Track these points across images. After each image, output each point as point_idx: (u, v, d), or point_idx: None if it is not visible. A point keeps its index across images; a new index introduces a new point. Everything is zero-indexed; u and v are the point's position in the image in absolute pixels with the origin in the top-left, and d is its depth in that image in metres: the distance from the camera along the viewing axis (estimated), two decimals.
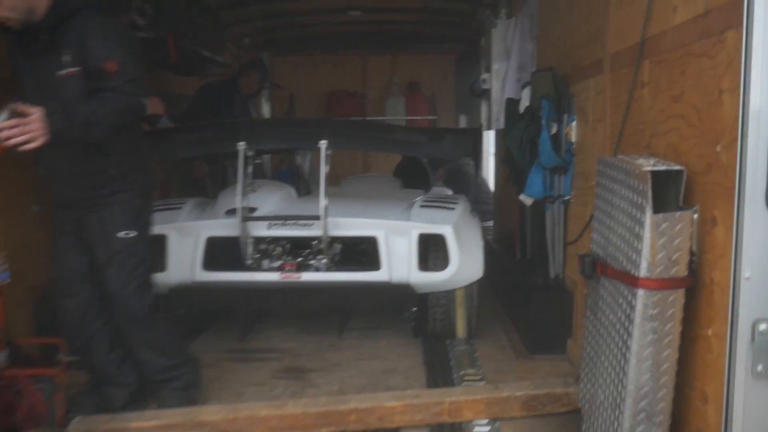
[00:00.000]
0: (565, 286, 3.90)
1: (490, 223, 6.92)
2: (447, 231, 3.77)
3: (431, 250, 3.91)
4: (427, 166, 6.65)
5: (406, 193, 5.07)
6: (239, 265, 3.83)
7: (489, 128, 6.73)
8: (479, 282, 3.94)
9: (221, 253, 4.02)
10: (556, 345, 3.77)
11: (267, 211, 3.90)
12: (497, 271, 4.78)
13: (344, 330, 4.23)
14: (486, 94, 6.34)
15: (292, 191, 4.31)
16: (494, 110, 5.98)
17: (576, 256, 3.67)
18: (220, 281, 3.82)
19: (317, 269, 3.87)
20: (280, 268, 3.85)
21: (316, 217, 3.64)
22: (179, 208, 4.06)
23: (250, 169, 3.79)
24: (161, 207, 4.10)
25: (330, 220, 3.70)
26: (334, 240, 3.88)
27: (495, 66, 6.03)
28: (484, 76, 6.09)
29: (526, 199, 4.00)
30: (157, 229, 3.91)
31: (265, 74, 6.11)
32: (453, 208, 4.00)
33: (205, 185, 5.49)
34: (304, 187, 4.71)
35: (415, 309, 3.87)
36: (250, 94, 5.87)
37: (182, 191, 5.70)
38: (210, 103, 5.49)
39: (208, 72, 6.37)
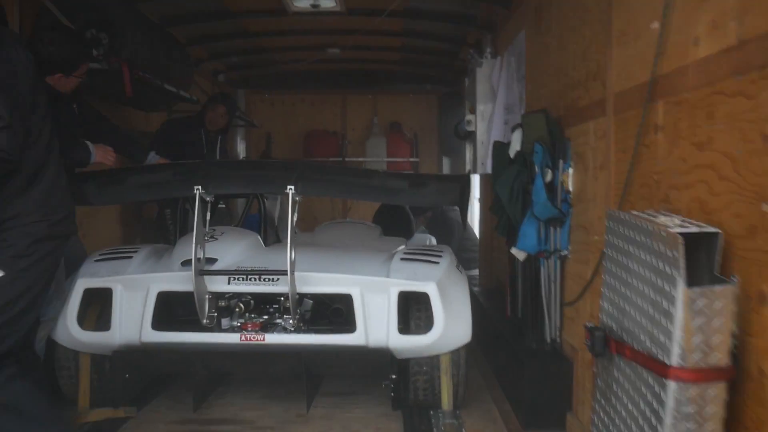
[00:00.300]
0: (562, 353, 3.48)
1: (475, 272, 6.52)
2: (431, 289, 3.35)
3: (413, 310, 3.48)
4: (408, 212, 6.27)
5: (386, 242, 4.66)
6: (194, 325, 3.37)
7: (475, 172, 6.39)
8: (467, 346, 3.51)
9: (175, 310, 3.55)
10: (553, 419, 3.33)
11: (228, 262, 3.46)
12: (486, 330, 4.36)
13: (314, 397, 3.75)
14: (471, 136, 6.01)
15: (257, 240, 3.88)
16: (480, 153, 5.65)
17: (575, 320, 3.28)
18: (172, 342, 3.35)
19: (284, 330, 3.43)
20: (240, 329, 3.40)
21: (283, 272, 3.20)
22: (129, 257, 3.61)
23: (208, 215, 3.37)
24: (109, 256, 3.64)
25: (299, 275, 3.27)
26: (304, 297, 3.45)
27: (480, 107, 5.72)
28: (469, 117, 5.76)
29: (519, 253, 3.60)
30: (101, 282, 3.47)
31: (233, 108, 5.72)
32: (437, 262, 3.58)
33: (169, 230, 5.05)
34: (273, 234, 4.28)
35: (394, 377, 3.42)
36: (218, 131, 5.47)
37: (151, 236, 5.26)
38: (174, 140, 5.08)
39: (175, 108, 5.97)
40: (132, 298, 3.41)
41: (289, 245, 3.19)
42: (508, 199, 3.65)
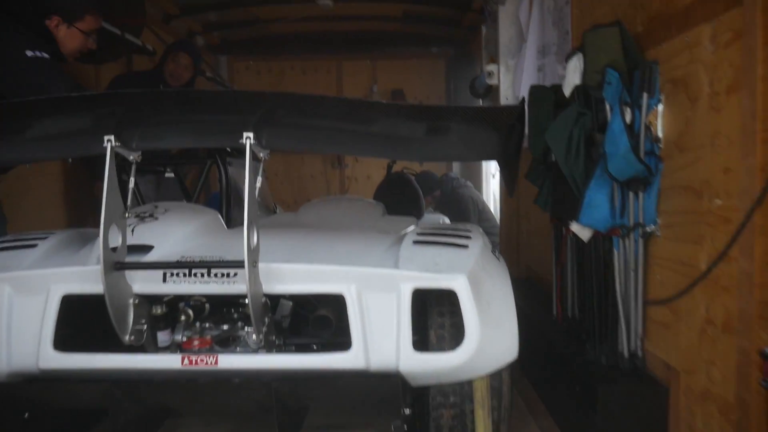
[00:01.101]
0: (649, 373, 2.41)
1: None
2: (460, 284, 2.26)
3: (433, 316, 2.41)
4: (416, 186, 5.18)
5: (391, 222, 3.57)
6: (116, 343, 2.30)
7: None
8: (512, 366, 2.44)
9: (91, 322, 2.49)
10: None
11: (169, 252, 2.39)
12: (528, 338, 3.29)
13: None
14: (491, 92, 4.93)
15: (217, 221, 2.80)
16: None
17: (672, 327, 2.20)
18: (83, 369, 2.28)
19: (248, 348, 2.37)
20: (184, 347, 2.34)
21: (239, 264, 2.13)
22: (33, 245, 2.53)
23: (141, 186, 2.30)
24: (7, 245, 2.57)
25: (265, 267, 2.20)
26: (281, 299, 2.38)
27: (504, 56, 4.63)
28: (490, 68, 4.67)
29: (582, 231, 2.52)
30: None
31: (198, 58, 4.60)
32: (466, 246, 2.50)
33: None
34: (240, 214, 3.19)
35: (408, 412, 2.34)
36: (181, 86, 4.37)
37: None
38: None
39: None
40: (26, 305, 2.33)
41: (246, 223, 2.11)
42: (564, 153, 2.55)
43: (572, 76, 2.64)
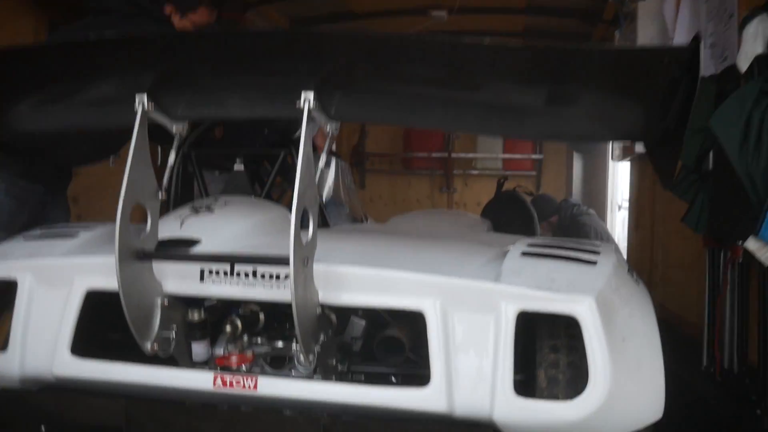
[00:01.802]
0: None
1: None
2: (585, 309, 1.64)
3: (544, 351, 1.78)
4: (531, 207, 4.52)
5: (496, 238, 2.97)
6: (141, 353, 1.86)
7: (624, 157, 4.63)
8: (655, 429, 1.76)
9: (119, 328, 2.09)
10: None
11: (216, 248, 1.93)
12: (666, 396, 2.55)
13: None
14: None
15: (284, 217, 2.34)
16: None
17: None
18: (100, 381, 1.86)
19: (300, 373, 1.86)
20: (217, 364, 1.86)
21: (283, 261, 1.63)
22: (73, 235, 2.16)
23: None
24: (51, 233, 2.22)
25: (325, 269, 1.70)
26: (344, 317, 1.86)
27: None
28: None
29: (764, 249, 1.81)
30: (7, 272, 2.06)
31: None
32: (594, 261, 1.87)
33: None
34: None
35: None
36: None
37: None
38: None
39: None
40: (47, 300, 1.96)
41: (294, 212, 1.61)
42: (738, 144, 1.87)
43: (751, 45, 1.97)
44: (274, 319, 1.98)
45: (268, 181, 2.59)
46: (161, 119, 1.78)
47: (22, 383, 1.95)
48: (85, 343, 1.91)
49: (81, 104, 1.87)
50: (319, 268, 1.71)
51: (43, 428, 2.01)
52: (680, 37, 3.53)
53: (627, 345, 1.69)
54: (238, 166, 2.63)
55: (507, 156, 7.38)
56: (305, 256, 1.63)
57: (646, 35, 3.95)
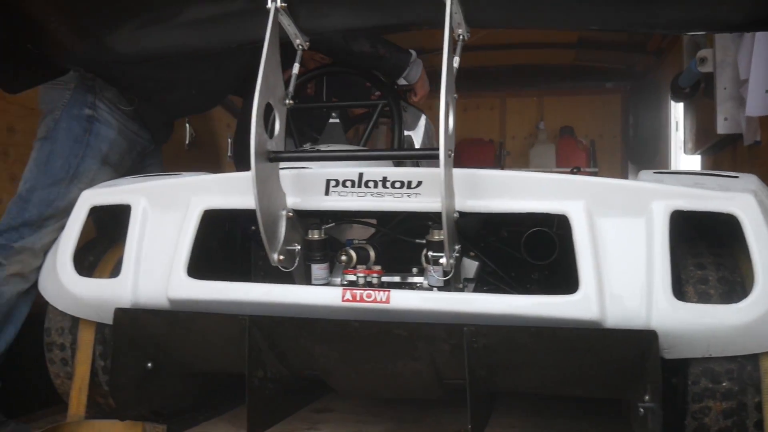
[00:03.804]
0: None
1: None
2: (746, 204, 1.54)
3: (689, 269, 1.66)
4: None
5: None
6: (277, 271, 1.79)
7: (697, 148, 4.50)
8: None
9: (227, 252, 2.03)
10: None
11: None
12: None
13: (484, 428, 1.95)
14: (700, 85, 4.15)
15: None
16: (725, 108, 3.76)
17: None
18: (219, 301, 1.78)
19: (430, 284, 1.76)
20: (345, 274, 1.79)
21: (434, 155, 1.56)
22: (179, 175, 2.12)
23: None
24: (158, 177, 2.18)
25: (459, 174, 1.63)
26: (470, 220, 1.76)
27: (721, 41, 3.87)
28: (703, 53, 3.91)
29: None
30: (116, 195, 2.02)
31: None
32: (736, 176, 1.78)
33: None
34: None
35: (650, 404, 1.57)
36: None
37: None
38: None
39: None
40: (161, 223, 1.91)
41: (442, 101, 1.55)
42: None
43: None
44: (384, 249, 1.90)
45: (365, 132, 2.54)
46: (288, 26, 1.74)
47: (127, 310, 1.88)
48: (199, 265, 1.85)
49: (201, 19, 1.85)
50: (456, 173, 1.63)
51: (149, 365, 1.95)
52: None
53: None
54: (334, 119, 2.59)
55: (560, 170, 7.28)
56: (449, 148, 1.56)
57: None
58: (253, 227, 2.17)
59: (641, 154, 6.87)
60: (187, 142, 3.72)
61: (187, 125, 3.74)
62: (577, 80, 7.32)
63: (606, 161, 7.47)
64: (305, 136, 2.60)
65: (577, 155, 7.32)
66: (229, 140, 4.18)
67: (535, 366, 1.65)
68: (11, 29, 1.81)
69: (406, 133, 2.68)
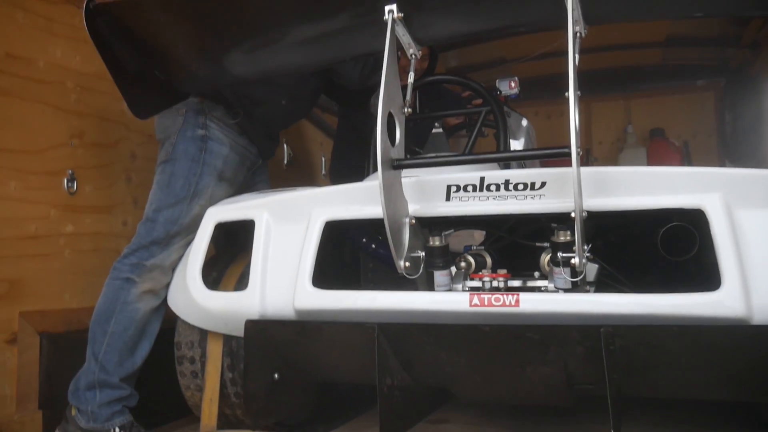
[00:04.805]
0: None
1: None
2: None
3: None
4: None
5: None
6: (388, 281, 1.82)
7: None
8: None
9: (367, 261, 2.07)
10: None
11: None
12: None
13: None
14: None
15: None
16: None
17: None
18: (345, 310, 1.81)
19: (557, 287, 1.73)
20: (471, 278, 1.78)
21: (565, 153, 1.54)
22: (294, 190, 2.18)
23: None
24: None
25: (585, 171, 1.60)
26: (595, 220, 1.73)
27: None
28: None
29: None
30: (241, 211, 2.09)
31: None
32: None
33: None
34: None
35: None
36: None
37: None
38: None
39: None
40: (284, 235, 1.96)
41: (570, 88, 1.54)
42: None
43: None
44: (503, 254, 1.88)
45: (470, 140, 2.54)
46: (403, 36, 1.77)
47: (255, 322, 1.93)
48: (324, 270, 1.89)
49: (318, 36, 1.90)
50: (583, 171, 1.60)
51: (276, 376, 2.00)
52: None
53: None
54: (437, 129, 2.61)
55: None
56: (579, 145, 1.54)
57: None
58: (364, 239, 2.21)
59: (740, 152, 6.55)
60: (285, 161, 3.84)
61: (285, 145, 3.86)
62: (666, 80, 7.07)
63: (702, 162, 7.15)
64: (406, 149, 2.64)
65: (671, 157, 7.04)
66: (323, 158, 4.27)
67: (676, 368, 1.59)
68: (141, 57, 1.93)
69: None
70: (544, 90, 7.23)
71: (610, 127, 7.60)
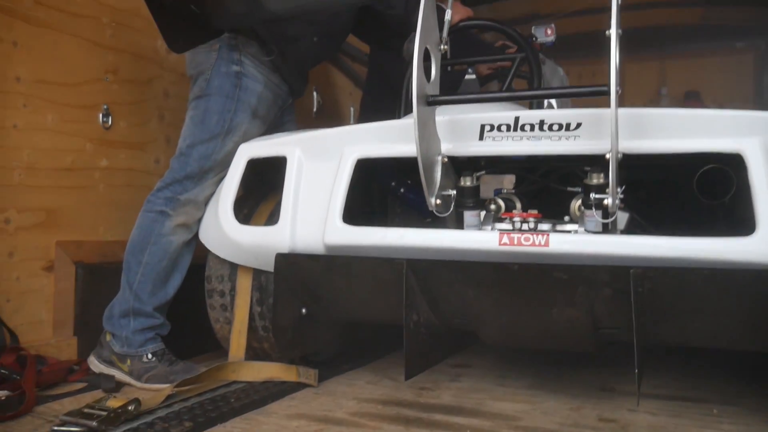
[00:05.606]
0: None
1: None
2: None
3: None
4: None
5: None
6: (415, 226, 1.83)
7: None
8: None
9: (395, 205, 2.09)
10: None
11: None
12: None
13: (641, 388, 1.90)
14: None
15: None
16: None
17: None
18: (374, 246, 1.83)
19: (587, 230, 1.73)
20: (501, 218, 1.79)
21: (603, 91, 1.53)
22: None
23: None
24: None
25: (621, 111, 1.58)
26: (628, 166, 1.72)
27: None
28: None
29: None
30: (273, 148, 2.11)
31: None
32: None
33: None
34: None
35: None
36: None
37: None
38: None
39: None
40: (316, 172, 1.98)
41: (613, 42, 1.51)
42: None
43: None
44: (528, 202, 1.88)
45: (505, 83, 2.52)
46: None
47: (285, 256, 1.96)
48: (352, 212, 1.91)
49: None
50: (620, 111, 1.58)
51: (304, 311, 2.04)
52: None
53: None
54: (470, 75, 2.59)
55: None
56: (618, 83, 1.52)
57: None
58: (393, 183, 2.21)
59: None
60: (314, 109, 3.84)
61: (315, 93, 3.85)
62: (704, 41, 6.89)
63: None
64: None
65: None
66: (351, 109, 4.24)
67: (704, 314, 1.59)
68: None
69: None
70: (576, 49, 7.11)
71: (644, 89, 7.46)
